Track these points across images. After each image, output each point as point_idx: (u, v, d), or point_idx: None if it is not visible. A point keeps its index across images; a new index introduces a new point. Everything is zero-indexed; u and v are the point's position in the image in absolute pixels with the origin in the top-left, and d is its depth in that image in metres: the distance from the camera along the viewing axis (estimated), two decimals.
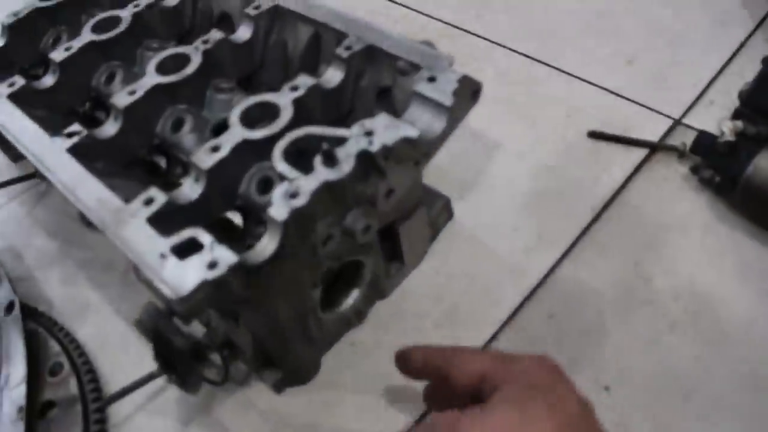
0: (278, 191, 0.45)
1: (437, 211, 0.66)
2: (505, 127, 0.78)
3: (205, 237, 0.44)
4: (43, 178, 0.83)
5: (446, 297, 0.64)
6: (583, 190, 0.70)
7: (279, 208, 0.44)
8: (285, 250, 0.45)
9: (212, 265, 0.42)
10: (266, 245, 0.44)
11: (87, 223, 0.77)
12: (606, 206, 0.68)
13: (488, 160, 0.75)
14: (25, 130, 0.57)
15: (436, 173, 0.69)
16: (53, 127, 0.57)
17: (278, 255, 0.45)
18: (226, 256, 0.42)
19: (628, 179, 0.71)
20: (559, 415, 0.39)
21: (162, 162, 0.66)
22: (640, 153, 0.73)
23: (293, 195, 0.45)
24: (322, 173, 0.46)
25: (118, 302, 0.70)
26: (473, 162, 0.75)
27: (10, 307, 0.67)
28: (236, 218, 0.59)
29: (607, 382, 0.56)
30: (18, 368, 0.62)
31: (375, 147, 0.47)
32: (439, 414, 0.41)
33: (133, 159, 0.62)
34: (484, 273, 0.64)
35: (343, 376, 0.60)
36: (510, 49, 0.89)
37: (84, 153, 0.55)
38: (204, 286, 0.41)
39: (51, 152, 0.55)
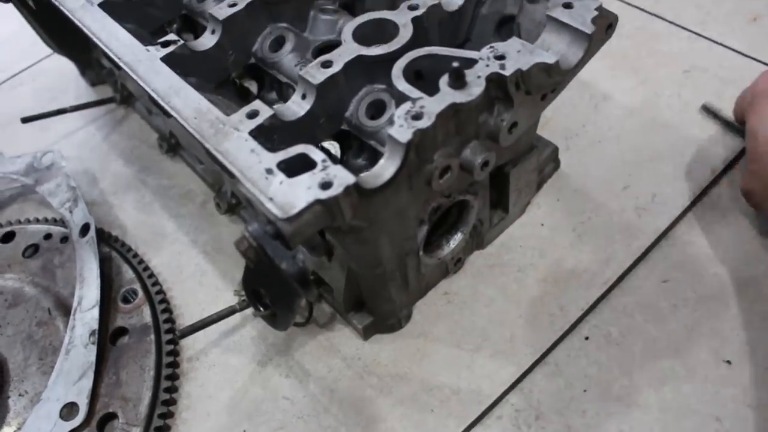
0: (401, 111, 0.41)
1: (545, 159, 0.60)
2: (615, 81, 0.72)
3: (316, 154, 0.39)
4: (122, 102, 0.81)
5: (550, 251, 0.59)
6: (701, 151, 0.64)
7: (402, 129, 0.40)
8: (403, 175, 0.40)
9: (326, 185, 0.38)
10: (385, 167, 0.40)
11: (166, 150, 0.74)
12: (727, 169, 0.62)
13: (596, 112, 0.69)
14: (115, 38, 0.54)
15: (539, 121, 0.64)
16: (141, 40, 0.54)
17: (395, 180, 0.40)
18: (343, 176, 0.38)
19: None
20: None
21: (253, 87, 0.63)
22: None
23: (417, 116, 0.40)
24: (449, 95, 0.41)
25: (194, 233, 0.67)
26: (580, 113, 0.69)
27: (85, 229, 0.65)
28: (332, 148, 0.55)
29: (728, 355, 0.51)
30: (91, 291, 0.60)
31: (508, 71, 0.42)
32: None
33: (224, 79, 0.58)
34: (593, 230, 0.59)
35: (434, 327, 0.56)
36: (624, 2, 0.82)
37: (177, 65, 0.51)
38: (315, 206, 0.37)
39: (144, 61, 0.51)
